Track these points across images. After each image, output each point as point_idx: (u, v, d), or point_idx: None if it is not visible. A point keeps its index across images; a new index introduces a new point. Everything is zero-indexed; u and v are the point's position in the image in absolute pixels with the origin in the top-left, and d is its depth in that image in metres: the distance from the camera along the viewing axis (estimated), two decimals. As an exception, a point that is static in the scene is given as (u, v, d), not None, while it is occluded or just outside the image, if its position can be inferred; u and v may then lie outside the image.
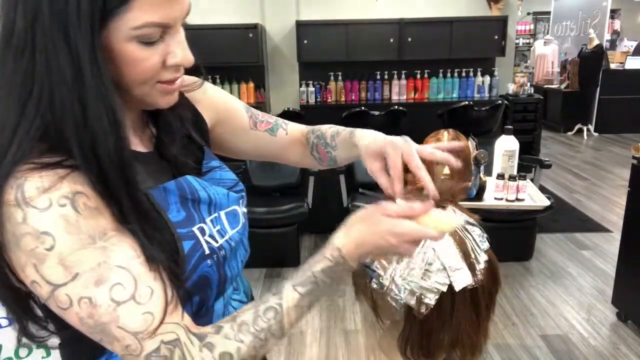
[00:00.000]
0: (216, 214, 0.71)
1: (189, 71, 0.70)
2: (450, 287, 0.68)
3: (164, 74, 0.62)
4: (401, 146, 0.72)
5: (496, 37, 4.82)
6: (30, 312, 0.63)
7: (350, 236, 0.66)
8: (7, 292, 0.59)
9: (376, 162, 0.75)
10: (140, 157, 0.68)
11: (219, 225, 0.71)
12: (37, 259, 0.53)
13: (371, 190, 0.74)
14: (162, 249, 0.61)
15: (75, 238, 0.54)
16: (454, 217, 0.69)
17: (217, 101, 0.86)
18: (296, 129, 0.93)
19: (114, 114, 0.56)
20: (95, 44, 0.54)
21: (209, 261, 0.67)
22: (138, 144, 0.70)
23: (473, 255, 0.70)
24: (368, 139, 0.78)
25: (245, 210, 0.79)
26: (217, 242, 0.69)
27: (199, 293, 0.67)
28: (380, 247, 0.65)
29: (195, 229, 0.66)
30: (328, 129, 0.89)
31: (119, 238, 0.57)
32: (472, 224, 0.75)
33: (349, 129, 0.86)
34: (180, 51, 0.61)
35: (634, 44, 9.09)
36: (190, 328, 0.60)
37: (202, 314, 0.70)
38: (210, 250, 0.67)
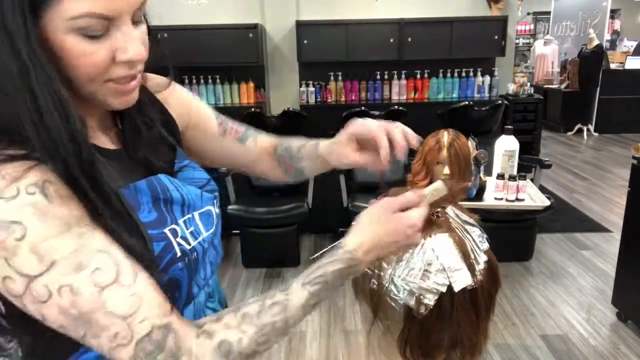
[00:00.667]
0: (190, 215, 0.69)
1: (158, 71, 0.69)
2: (450, 287, 0.68)
3: (115, 71, 0.58)
4: (371, 121, 0.77)
5: (496, 37, 4.81)
6: None
7: (365, 239, 0.67)
8: None
9: (349, 147, 0.78)
10: (110, 154, 0.66)
11: (193, 227, 0.69)
12: (8, 251, 0.50)
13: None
14: (132, 249, 0.58)
15: (49, 224, 0.51)
16: (433, 186, 0.74)
17: (187, 103, 0.84)
18: (265, 140, 0.93)
19: (62, 106, 0.53)
20: (31, 36, 0.51)
21: (180, 264, 0.65)
22: (107, 142, 0.67)
23: (472, 256, 0.70)
24: (332, 139, 0.82)
25: (218, 211, 0.77)
26: (189, 244, 0.67)
27: (167, 298, 0.64)
28: (397, 244, 0.67)
29: (167, 230, 0.64)
30: (295, 141, 0.90)
31: (94, 226, 0.55)
32: (472, 225, 0.75)
33: (315, 141, 0.87)
34: (131, 46, 0.57)
35: (634, 44, 9.08)
36: (181, 317, 0.57)
37: None
38: (182, 253, 0.65)
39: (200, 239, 0.70)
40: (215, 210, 0.75)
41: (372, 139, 0.74)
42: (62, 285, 0.51)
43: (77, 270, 0.51)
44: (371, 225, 0.68)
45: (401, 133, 0.74)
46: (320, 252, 0.69)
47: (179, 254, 0.65)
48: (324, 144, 0.84)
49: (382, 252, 0.68)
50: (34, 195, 0.51)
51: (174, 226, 0.66)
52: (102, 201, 0.56)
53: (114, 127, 0.70)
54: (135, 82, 0.62)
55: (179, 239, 0.65)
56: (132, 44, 0.57)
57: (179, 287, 0.66)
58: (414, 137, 0.74)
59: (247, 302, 0.61)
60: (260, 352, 0.60)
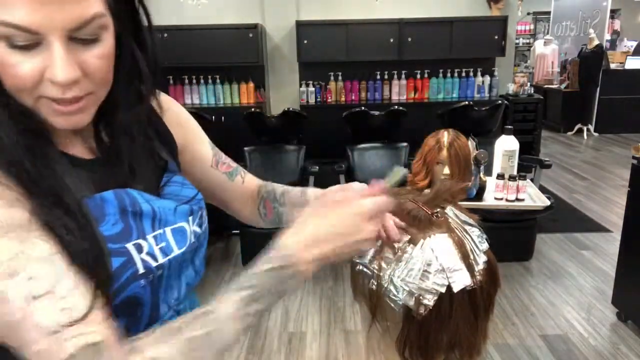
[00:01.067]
0: (161, 230, 0.65)
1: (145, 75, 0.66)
2: (449, 288, 0.68)
3: (46, 89, 0.55)
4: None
5: (496, 37, 4.82)
6: None
7: (303, 233, 0.58)
8: None
9: None
10: (82, 163, 0.63)
11: (164, 242, 0.65)
12: None
13: None
14: (85, 257, 0.55)
15: None
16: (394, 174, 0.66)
17: (184, 124, 0.80)
18: (252, 180, 0.90)
19: None
20: None
21: (142, 281, 0.61)
22: (82, 151, 0.65)
23: (472, 256, 0.70)
24: (322, 190, 0.77)
25: (198, 229, 0.72)
26: (157, 261, 0.63)
27: (126, 316, 0.61)
28: (345, 238, 0.59)
29: (130, 245, 0.61)
30: (280, 187, 0.88)
31: (41, 234, 0.52)
32: (472, 225, 0.75)
33: (300, 188, 0.84)
34: (55, 68, 0.53)
35: (634, 44, 9.09)
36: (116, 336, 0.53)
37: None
38: (145, 269, 0.61)
39: (171, 256, 0.66)
40: (191, 227, 0.70)
41: None
42: None
43: (11, 276, 0.49)
44: (312, 218, 0.59)
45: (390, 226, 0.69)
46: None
47: (141, 270, 0.61)
48: (313, 192, 0.80)
49: (327, 249, 0.58)
50: None
51: (139, 241, 0.62)
52: (52, 210, 0.54)
53: (97, 136, 0.67)
54: (78, 106, 0.57)
55: (143, 255, 0.62)
56: (58, 65, 0.53)
57: (140, 305, 0.63)
58: (396, 234, 0.67)
59: (182, 315, 0.56)
60: None
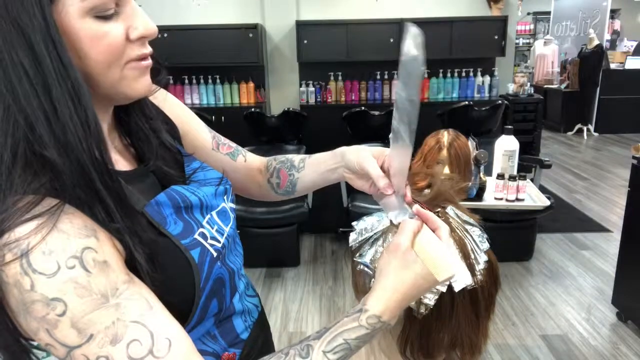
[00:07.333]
0: (209, 215, 0.69)
1: (153, 70, 0.66)
2: (450, 287, 0.68)
3: (131, 51, 0.57)
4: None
5: (496, 37, 4.82)
6: None
7: (390, 299, 0.61)
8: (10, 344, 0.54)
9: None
10: (127, 176, 0.64)
11: (216, 225, 0.69)
12: (49, 325, 0.51)
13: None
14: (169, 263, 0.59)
15: (87, 300, 0.52)
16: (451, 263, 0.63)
17: (180, 113, 0.82)
18: (254, 157, 0.92)
19: (78, 95, 0.51)
20: (50, 23, 0.49)
21: (219, 263, 0.66)
22: (121, 163, 0.66)
23: (473, 256, 0.70)
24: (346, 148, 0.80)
25: (233, 205, 0.77)
26: (219, 242, 0.68)
27: (216, 296, 0.67)
28: (422, 289, 0.62)
29: (197, 235, 0.64)
30: (297, 155, 0.89)
31: (132, 291, 0.55)
32: (472, 225, 0.75)
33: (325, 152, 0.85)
34: (141, 22, 0.57)
35: (634, 44, 9.09)
36: None
37: (222, 315, 0.70)
38: (217, 252, 0.66)
39: (225, 234, 0.71)
40: (228, 205, 0.75)
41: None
42: (99, 356, 0.52)
43: (113, 343, 0.52)
44: (392, 276, 0.62)
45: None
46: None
47: (214, 254, 0.66)
48: (339, 150, 0.81)
49: (409, 301, 0.63)
50: (74, 270, 0.51)
51: (201, 230, 0.66)
52: (129, 219, 0.56)
53: (123, 146, 0.69)
54: (150, 61, 0.61)
55: (210, 241, 0.66)
56: (142, 19, 0.57)
57: (224, 283, 0.68)
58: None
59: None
60: None
